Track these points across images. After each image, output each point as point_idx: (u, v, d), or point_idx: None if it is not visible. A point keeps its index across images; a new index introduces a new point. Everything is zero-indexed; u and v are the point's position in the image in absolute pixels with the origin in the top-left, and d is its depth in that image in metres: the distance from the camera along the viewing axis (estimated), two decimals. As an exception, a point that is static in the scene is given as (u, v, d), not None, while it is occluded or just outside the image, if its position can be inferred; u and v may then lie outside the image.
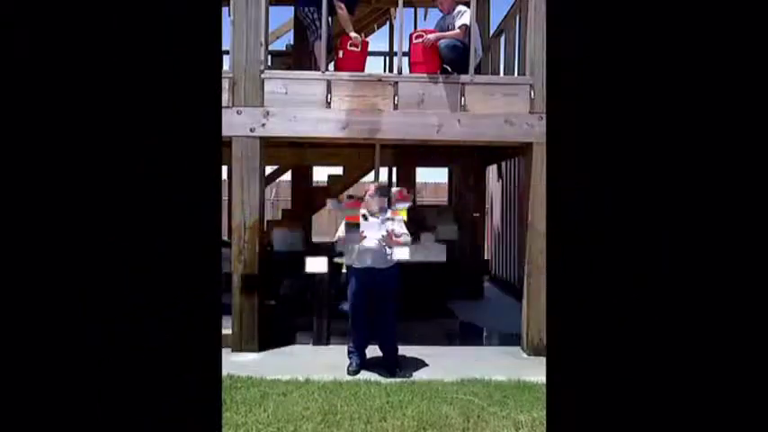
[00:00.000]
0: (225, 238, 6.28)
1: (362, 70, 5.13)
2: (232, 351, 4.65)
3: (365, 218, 4.21)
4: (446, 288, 6.76)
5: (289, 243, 6.00)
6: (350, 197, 4.98)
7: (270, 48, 5.87)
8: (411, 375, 4.16)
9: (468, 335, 5.51)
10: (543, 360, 3.78)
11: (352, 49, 5.12)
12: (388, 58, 8.43)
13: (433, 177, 14.31)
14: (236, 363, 4.34)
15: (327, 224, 13.03)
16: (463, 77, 4.80)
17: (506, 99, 4.77)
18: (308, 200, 7.47)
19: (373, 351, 4.41)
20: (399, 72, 4.86)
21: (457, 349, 5.01)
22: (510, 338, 5.28)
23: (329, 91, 4.74)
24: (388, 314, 4.24)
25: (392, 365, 4.26)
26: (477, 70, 5.17)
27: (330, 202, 5.20)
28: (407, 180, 7.43)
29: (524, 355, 4.81)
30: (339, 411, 3.38)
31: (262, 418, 3.27)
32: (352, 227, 4.17)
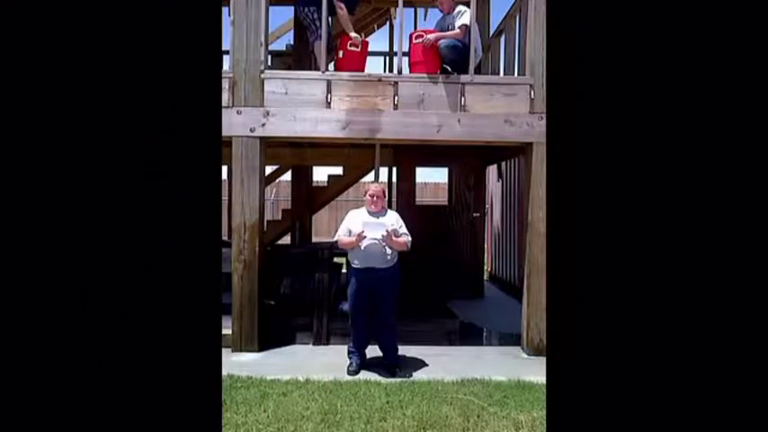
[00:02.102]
0: (225, 238, 6.29)
1: (362, 70, 5.13)
2: (232, 351, 4.65)
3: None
4: (446, 288, 6.76)
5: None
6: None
7: (270, 48, 5.87)
8: (411, 375, 4.16)
9: (468, 335, 5.50)
10: (543, 360, 3.79)
11: (352, 49, 5.12)
12: (388, 58, 8.43)
13: (433, 177, 14.38)
14: (236, 363, 4.34)
15: (327, 224, 13.07)
16: (463, 77, 4.80)
17: (506, 99, 4.78)
18: (307, 200, 7.47)
19: (373, 351, 4.41)
20: (399, 72, 4.86)
21: (457, 349, 5.01)
22: (510, 338, 5.29)
23: (329, 91, 4.74)
24: (388, 314, 4.24)
25: (392, 365, 4.26)
26: (478, 70, 5.17)
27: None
28: (407, 180, 7.42)
29: (524, 355, 4.81)
30: (339, 411, 3.38)
31: (262, 418, 3.27)
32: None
